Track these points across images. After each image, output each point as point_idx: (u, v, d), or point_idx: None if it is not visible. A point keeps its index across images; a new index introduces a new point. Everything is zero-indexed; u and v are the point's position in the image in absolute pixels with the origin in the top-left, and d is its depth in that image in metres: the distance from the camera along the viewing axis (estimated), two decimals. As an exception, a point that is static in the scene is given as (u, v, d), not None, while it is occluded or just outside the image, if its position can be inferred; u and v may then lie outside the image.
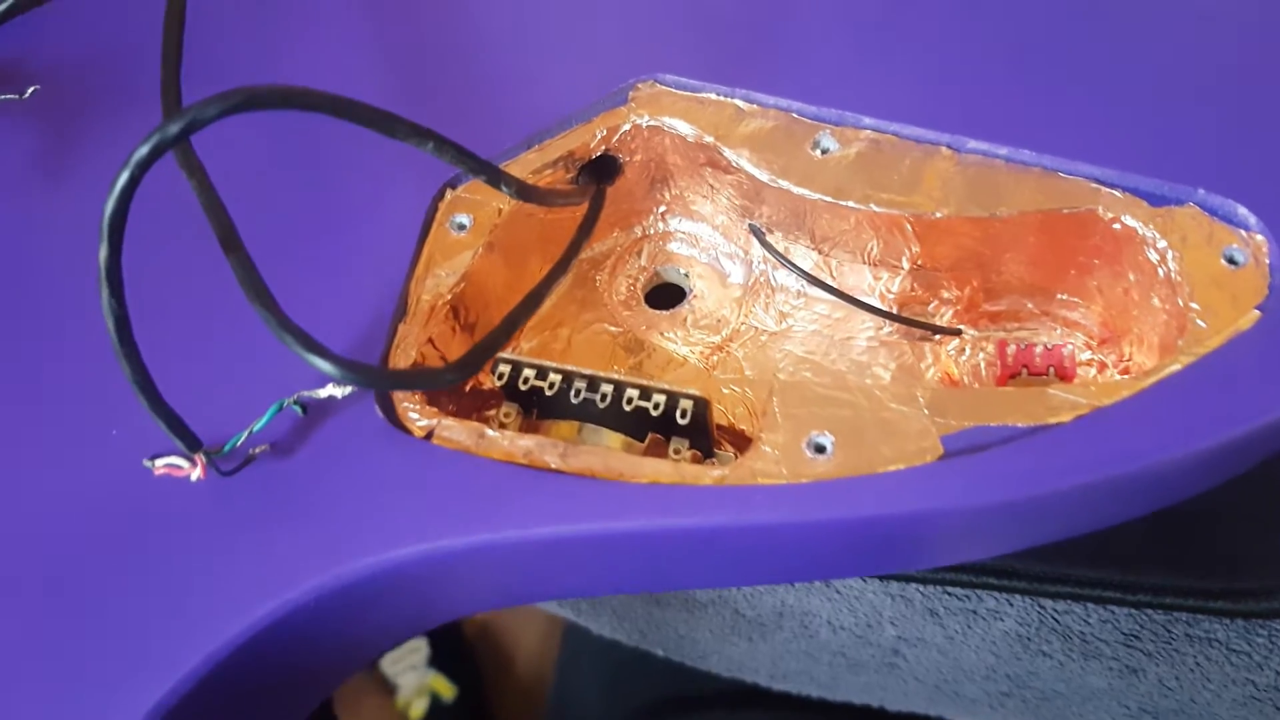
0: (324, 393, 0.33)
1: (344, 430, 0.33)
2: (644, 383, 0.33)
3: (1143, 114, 0.35)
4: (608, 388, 0.33)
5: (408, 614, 0.34)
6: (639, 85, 0.39)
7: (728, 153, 0.37)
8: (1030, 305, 0.38)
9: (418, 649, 0.95)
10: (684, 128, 0.38)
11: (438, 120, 0.31)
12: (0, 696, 0.31)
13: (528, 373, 0.34)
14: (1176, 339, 0.32)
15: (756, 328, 0.39)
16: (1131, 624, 0.45)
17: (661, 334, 0.39)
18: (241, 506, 0.32)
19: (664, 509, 0.30)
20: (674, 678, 0.64)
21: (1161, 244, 0.33)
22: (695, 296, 0.40)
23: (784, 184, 0.36)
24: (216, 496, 0.33)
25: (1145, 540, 0.45)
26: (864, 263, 0.38)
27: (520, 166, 0.37)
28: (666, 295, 0.41)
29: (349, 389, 0.33)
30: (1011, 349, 0.36)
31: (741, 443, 0.36)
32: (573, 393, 0.33)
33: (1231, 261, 0.32)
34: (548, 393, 0.33)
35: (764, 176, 0.36)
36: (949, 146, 0.36)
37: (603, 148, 0.38)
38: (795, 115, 0.37)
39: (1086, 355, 0.37)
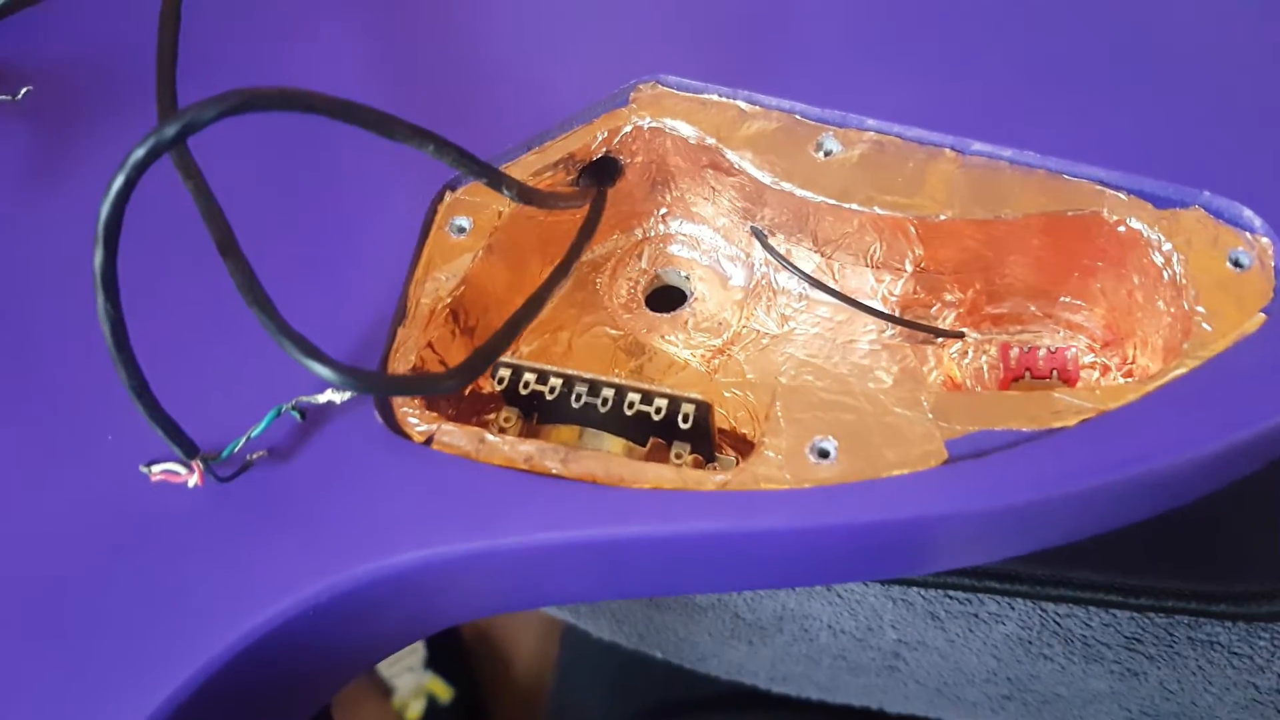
0: (323, 398, 0.33)
1: (343, 436, 0.33)
2: (645, 387, 0.33)
3: (1148, 116, 0.35)
4: (609, 392, 0.33)
5: (407, 620, 0.34)
6: (640, 86, 0.39)
7: (730, 154, 0.37)
8: (1033, 308, 0.38)
9: (415, 650, 0.95)
10: (686, 129, 0.38)
11: (438, 121, 0.31)
12: (-3, 704, 0.31)
13: (528, 377, 0.33)
14: (1181, 342, 0.32)
15: (758, 331, 0.39)
16: (1133, 627, 0.45)
17: (662, 337, 0.39)
18: (239, 513, 0.32)
19: (667, 515, 0.30)
20: (674, 680, 0.64)
21: (1166, 246, 0.33)
22: (696, 299, 0.40)
23: (786, 186, 0.36)
24: (214, 503, 0.32)
25: (1147, 543, 0.45)
26: (866, 265, 0.37)
27: (521, 168, 0.37)
28: (667, 298, 0.40)
29: (348, 394, 0.33)
30: (1014, 352, 0.36)
31: (743, 447, 0.36)
32: (574, 397, 0.33)
33: (1237, 264, 0.32)
34: (548, 397, 0.33)
35: (766, 178, 0.36)
36: (953, 148, 0.35)
37: (604, 149, 0.38)
38: (798, 117, 0.37)
39: (1090, 358, 0.37)
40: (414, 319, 0.35)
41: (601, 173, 0.39)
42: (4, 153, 0.42)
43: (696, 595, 0.52)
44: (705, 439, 0.34)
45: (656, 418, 0.33)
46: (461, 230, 0.37)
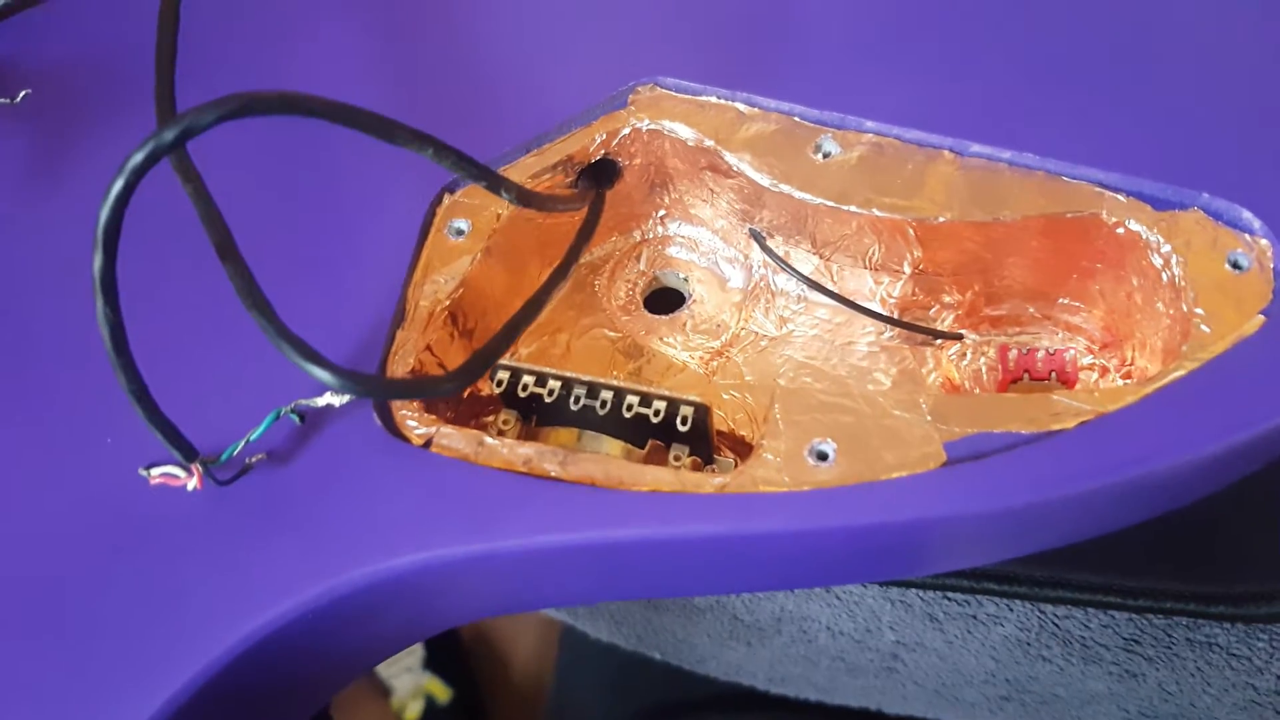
0: (322, 401, 0.33)
1: (342, 439, 0.33)
2: (644, 389, 0.33)
3: (1147, 118, 0.35)
4: (607, 394, 0.33)
5: (406, 622, 0.34)
6: (639, 88, 0.39)
7: (728, 157, 0.37)
8: (1032, 310, 0.38)
9: (413, 651, 0.95)
10: (684, 131, 0.38)
11: (437, 123, 0.31)
12: (-5, 708, 0.31)
13: (527, 379, 0.33)
14: (1180, 344, 0.32)
15: (757, 333, 0.39)
16: (1131, 629, 0.45)
17: (661, 339, 0.39)
18: (238, 516, 0.32)
19: (666, 517, 0.30)
20: (673, 681, 0.64)
21: (1165, 248, 0.33)
22: (695, 301, 0.40)
23: (785, 188, 0.36)
24: (213, 506, 0.32)
25: (1146, 545, 0.45)
26: (865, 267, 0.37)
27: (519, 170, 0.37)
28: (666, 300, 0.40)
29: (347, 397, 0.33)
30: (1013, 354, 0.36)
31: (742, 449, 0.36)
32: (572, 399, 0.33)
33: (1236, 266, 0.32)
34: (547, 399, 0.33)
35: (765, 181, 0.36)
36: (952, 150, 0.35)
37: (602, 151, 0.38)
38: (797, 119, 0.37)
39: (1088, 360, 0.37)
40: (413, 321, 0.35)
41: (600, 175, 0.39)
42: (3, 156, 0.42)
43: (695, 597, 0.52)
44: (704, 441, 0.34)
45: (655, 420, 0.33)
46: (460, 233, 0.37)
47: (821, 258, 0.38)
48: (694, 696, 0.65)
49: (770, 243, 0.38)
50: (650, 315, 0.40)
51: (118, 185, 0.26)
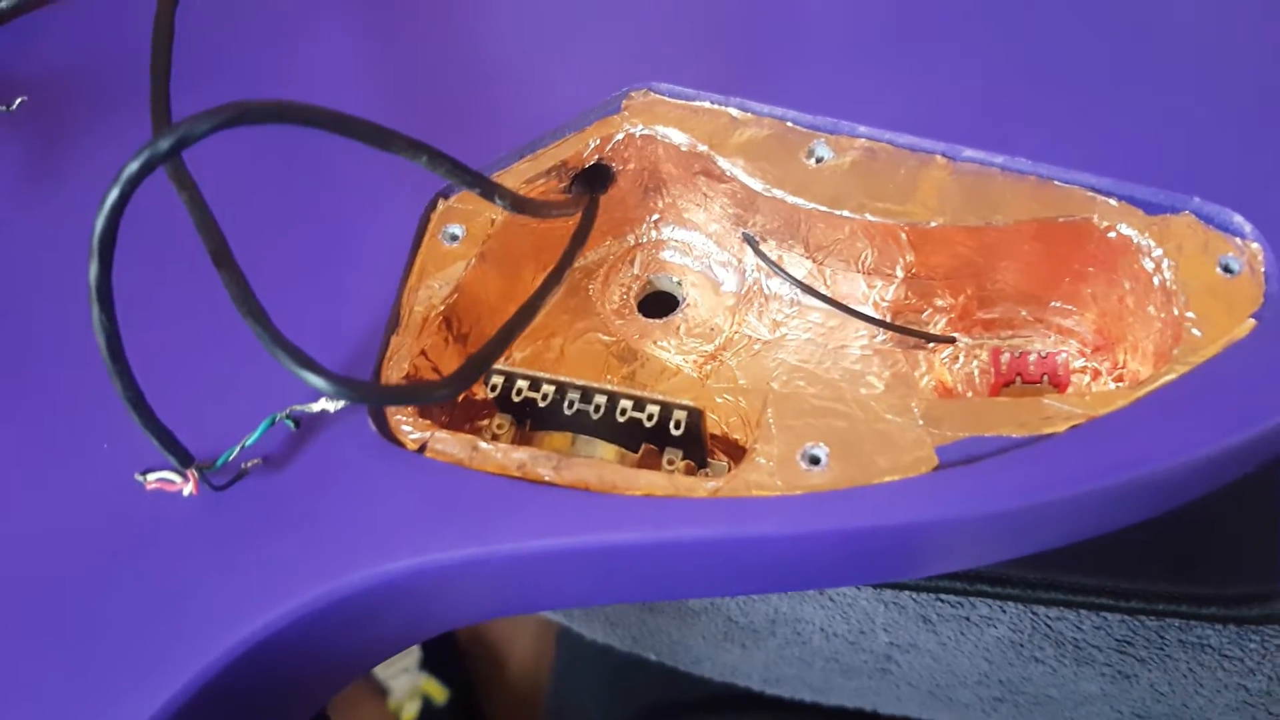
0: (316, 407, 0.33)
1: (337, 444, 0.33)
2: (638, 393, 0.33)
3: (1138, 122, 0.35)
4: (601, 399, 0.33)
5: (402, 626, 0.34)
6: (632, 94, 0.39)
7: (721, 162, 0.37)
8: (1024, 313, 0.38)
9: (410, 652, 0.94)
10: (678, 136, 0.38)
11: (431, 129, 0.31)
12: (-8, 713, 0.31)
13: (521, 384, 0.34)
14: (1172, 347, 0.32)
15: (750, 336, 0.39)
16: (1124, 630, 0.45)
17: (655, 343, 0.39)
18: (234, 521, 0.32)
19: (659, 522, 0.30)
20: (670, 682, 0.64)
21: (1157, 252, 0.33)
22: (688, 305, 0.40)
23: (778, 193, 0.36)
24: (210, 511, 0.32)
25: (1138, 546, 0.45)
26: (858, 271, 0.38)
27: (513, 176, 0.37)
28: (660, 304, 0.41)
29: (341, 403, 0.33)
30: (1005, 357, 0.36)
31: (735, 452, 0.36)
32: (566, 404, 0.33)
33: (1227, 270, 0.32)
34: (541, 404, 0.33)
35: (758, 186, 0.36)
36: (944, 155, 0.36)
37: (596, 157, 0.38)
38: (790, 124, 0.37)
39: (1080, 363, 0.37)
40: (407, 327, 0.35)
41: (594, 180, 0.39)
42: (-1, 162, 0.42)
43: (689, 599, 0.52)
44: (697, 445, 0.34)
45: (649, 424, 0.33)
46: (454, 238, 0.37)
47: (814, 262, 0.38)
48: (690, 697, 0.65)
49: (763, 247, 0.38)
50: (644, 319, 0.40)
51: (113, 194, 0.26)
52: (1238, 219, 0.33)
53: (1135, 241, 0.34)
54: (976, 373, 0.37)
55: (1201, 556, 0.45)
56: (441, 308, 0.35)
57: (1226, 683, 0.46)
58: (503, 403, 0.34)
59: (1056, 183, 0.34)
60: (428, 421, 0.33)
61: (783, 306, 0.39)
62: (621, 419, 0.33)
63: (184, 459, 0.32)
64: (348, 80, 0.42)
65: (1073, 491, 0.29)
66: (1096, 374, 0.37)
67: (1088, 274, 0.36)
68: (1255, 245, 0.33)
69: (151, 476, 0.33)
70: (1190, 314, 0.32)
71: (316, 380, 0.28)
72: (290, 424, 0.33)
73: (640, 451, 0.34)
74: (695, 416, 0.33)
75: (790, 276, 0.38)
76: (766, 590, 0.35)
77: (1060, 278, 0.36)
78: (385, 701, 0.93)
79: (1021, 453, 0.30)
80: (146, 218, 0.31)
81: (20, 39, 0.45)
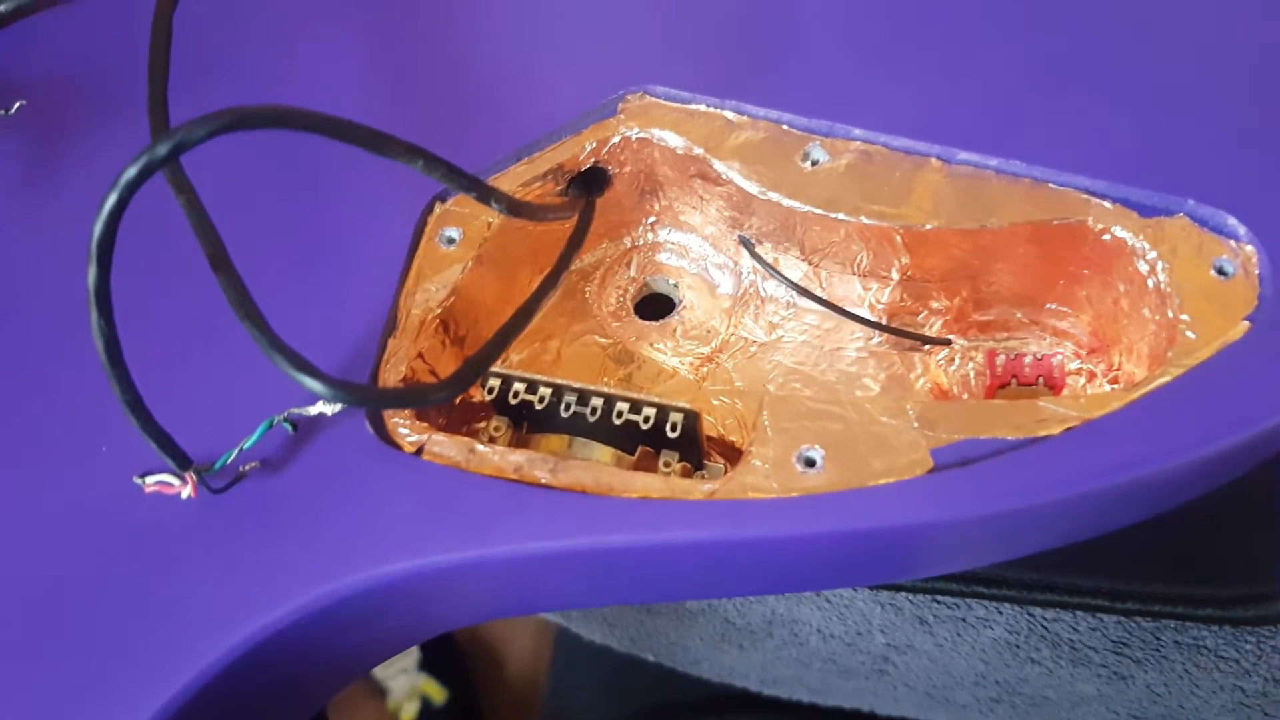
0: (314, 410, 0.33)
1: (334, 447, 0.33)
2: (634, 396, 0.33)
3: (1132, 125, 0.35)
4: (598, 401, 0.33)
5: (400, 628, 0.34)
6: (628, 97, 0.39)
7: (717, 165, 0.37)
8: (1020, 315, 0.38)
9: (409, 652, 0.94)
10: (674, 139, 0.38)
11: (427, 132, 0.31)
12: (-10, 716, 0.31)
13: (518, 386, 0.34)
14: (1166, 350, 0.32)
15: (746, 339, 0.39)
16: (1120, 631, 0.45)
17: (651, 345, 0.39)
18: (232, 524, 0.32)
19: (655, 524, 0.30)
20: (668, 683, 0.64)
21: (1151, 255, 0.33)
22: (685, 307, 0.40)
23: (774, 196, 0.36)
24: (208, 513, 0.33)
25: (1134, 548, 0.45)
26: (853, 274, 0.38)
27: (510, 179, 0.37)
28: (656, 306, 0.41)
29: (339, 406, 0.33)
30: (1001, 359, 0.36)
31: (732, 454, 0.36)
32: (563, 406, 0.33)
33: (1221, 272, 0.32)
34: (538, 406, 0.34)
35: (753, 188, 0.36)
36: (939, 158, 0.36)
37: (592, 160, 0.38)
38: (785, 127, 0.37)
39: (1075, 365, 0.37)
40: (404, 330, 0.35)
41: (590, 183, 0.39)
42: (-3, 166, 0.42)
43: (687, 600, 0.52)
44: (693, 447, 0.34)
45: (645, 426, 0.33)
46: (451, 241, 0.37)
47: (810, 264, 0.38)
48: (688, 698, 0.65)
49: (759, 249, 0.39)
50: (641, 321, 0.40)
51: (111, 200, 0.26)
52: (1232, 221, 0.33)
53: (1130, 244, 0.34)
54: (972, 375, 0.37)
55: (1197, 558, 0.45)
56: (439, 310, 0.36)
57: (1222, 683, 0.46)
58: (500, 405, 0.34)
59: (1051, 185, 0.35)
60: (425, 424, 0.33)
61: (779, 309, 0.39)
62: (618, 421, 0.33)
63: (182, 462, 0.32)
64: (345, 84, 0.42)
65: (1067, 494, 0.29)
66: (1092, 376, 0.37)
67: (1082, 276, 0.36)
68: (1249, 248, 0.33)
69: (150, 479, 0.33)
70: (1184, 316, 0.32)
71: (313, 384, 0.28)
72: (288, 427, 0.33)
73: (637, 454, 0.34)
74: (692, 419, 0.33)
75: (786, 279, 0.38)
76: (763, 592, 0.35)
77: (1055, 280, 0.36)
78: (384, 702, 0.94)
79: (1016, 455, 0.30)
80: (144, 221, 0.31)
81: (18, 43, 0.45)
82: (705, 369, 0.39)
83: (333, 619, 0.31)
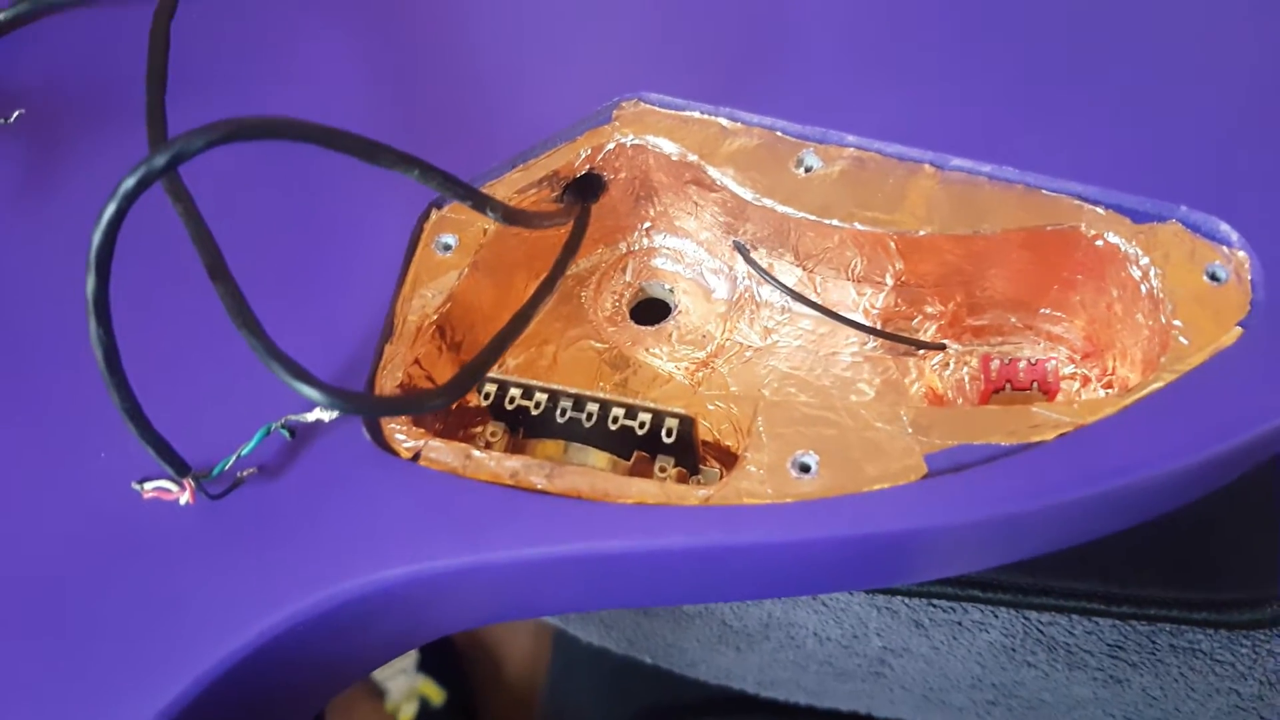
0: (311, 416, 0.33)
1: (332, 453, 0.33)
2: (630, 401, 0.33)
3: (1125, 131, 0.36)
4: (593, 407, 0.33)
5: (397, 633, 0.34)
6: (623, 104, 0.39)
7: (712, 171, 0.37)
8: (1014, 320, 0.38)
9: (407, 654, 0.95)
10: (668, 146, 0.38)
11: (423, 140, 0.31)
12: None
13: (514, 392, 0.34)
14: (1159, 355, 0.32)
15: (741, 343, 0.39)
16: (1116, 635, 0.45)
17: (647, 350, 0.39)
18: (230, 530, 0.32)
19: (650, 530, 0.30)
20: (666, 685, 0.64)
21: (1144, 261, 0.33)
22: (680, 312, 0.40)
23: (768, 202, 0.36)
24: (206, 519, 0.33)
25: (1129, 552, 0.45)
26: (848, 279, 0.38)
27: (505, 186, 0.38)
28: (651, 311, 0.41)
29: (336, 413, 0.33)
30: (995, 364, 0.36)
31: (727, 459, 0.36)
32: (559, 412, 0.33)
33: (1214, 278, 0.33)
34: (534, 412, 0.34)
35: (748, 195, 0.36)
36: (932, 164, 0.36)
37: (587, 166, 0.38)
38: (779, 133, 0.37)
39: (1070, 369, 0.37)
40: (401, 336, 0.35)
41: (585, 189, 0.39)
42: (-4, 174, 0.42)
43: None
44: (689, 452, 0.34)
45: (640, 432, 0.33)
46: (447, 248, 0.37)
47: (805, 270, 0.38)
48: (686, 700, 0.65)
49: (754, 255, 0.39)
50: (636, 326, 0.40)
51: (110, 210, 0.26)
52: (1224, 227, 0.33)
53: (1123, 250, 0.34)
54: (967, 379, 0.37)
55: (1192, 561, 0.45)
56: (435, 317, 0.36)
57: (1218, 687, 0.47)
58: (496, 411, 0.34)
59: (1044, 191, 0.35)
60: (421, 430, 0.33)
61: (774, 314, 0.39)
62: (614, 426, 0.33)
63: (180, 468, 0.32)
64: (341, 91, 0.42)
65: (1061, 499, 0.29)
66: (1086, 380, 0.37)
67: (1076, 281, 0.36)
68: (1242, 254, 0.33)
69: (148, 485, 0.33)
70: (1177, 322, 0.32)
71: (310, 392, 0.28)
72: (285, 433, 0.33)
73: (632, 459, 0.34)
74: (687, 425, 0.33)
75: (781, 284, 0.38)
76: (758, 596, 0.35)
77: (1049, 285, 0.36)
78: (382, 703, 0.94)
79: (1009, 460, 0.30)
80: (142, 229, 0.31)
81: (17, 52, 0.45)
82: (700, 374, 0.39)
83: (330, 624, 0.31)
